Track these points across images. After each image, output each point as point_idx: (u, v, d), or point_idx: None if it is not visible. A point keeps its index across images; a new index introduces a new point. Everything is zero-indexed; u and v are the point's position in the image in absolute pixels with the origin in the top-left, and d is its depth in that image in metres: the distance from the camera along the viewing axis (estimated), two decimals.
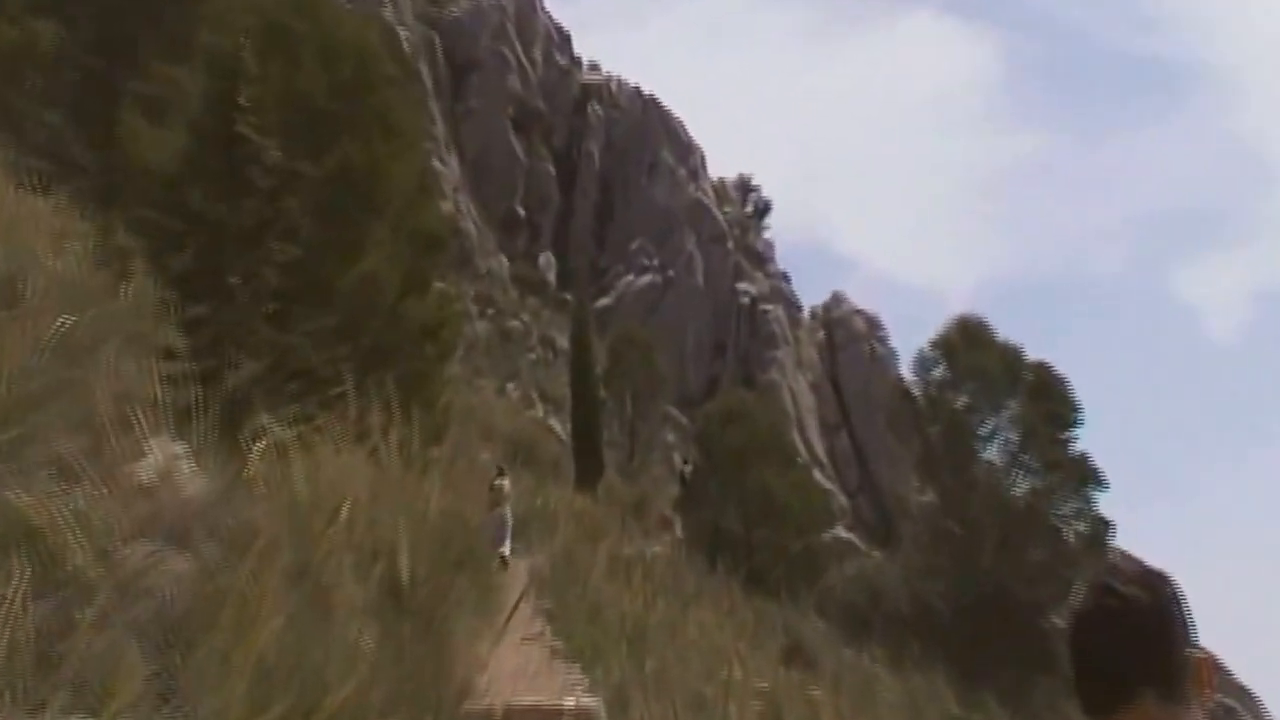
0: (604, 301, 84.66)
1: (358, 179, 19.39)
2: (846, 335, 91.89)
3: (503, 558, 22.45)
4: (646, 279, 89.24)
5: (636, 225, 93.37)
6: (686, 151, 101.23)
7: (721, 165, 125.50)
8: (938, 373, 51.07)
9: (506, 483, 25.91)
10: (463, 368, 51.57)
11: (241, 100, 13.63)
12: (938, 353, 51.20)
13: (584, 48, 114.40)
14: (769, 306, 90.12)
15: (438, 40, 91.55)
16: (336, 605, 7.83)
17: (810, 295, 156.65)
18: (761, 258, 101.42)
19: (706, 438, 47.57)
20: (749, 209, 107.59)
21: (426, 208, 24.00)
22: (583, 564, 20.93)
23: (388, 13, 79.69)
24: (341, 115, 19.65)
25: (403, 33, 78.41)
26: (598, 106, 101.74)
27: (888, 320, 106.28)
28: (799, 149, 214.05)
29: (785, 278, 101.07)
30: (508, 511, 24.90)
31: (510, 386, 67.89)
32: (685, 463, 51.16)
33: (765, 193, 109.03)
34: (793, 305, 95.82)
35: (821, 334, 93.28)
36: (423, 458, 11.54)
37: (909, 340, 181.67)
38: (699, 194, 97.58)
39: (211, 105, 13.85)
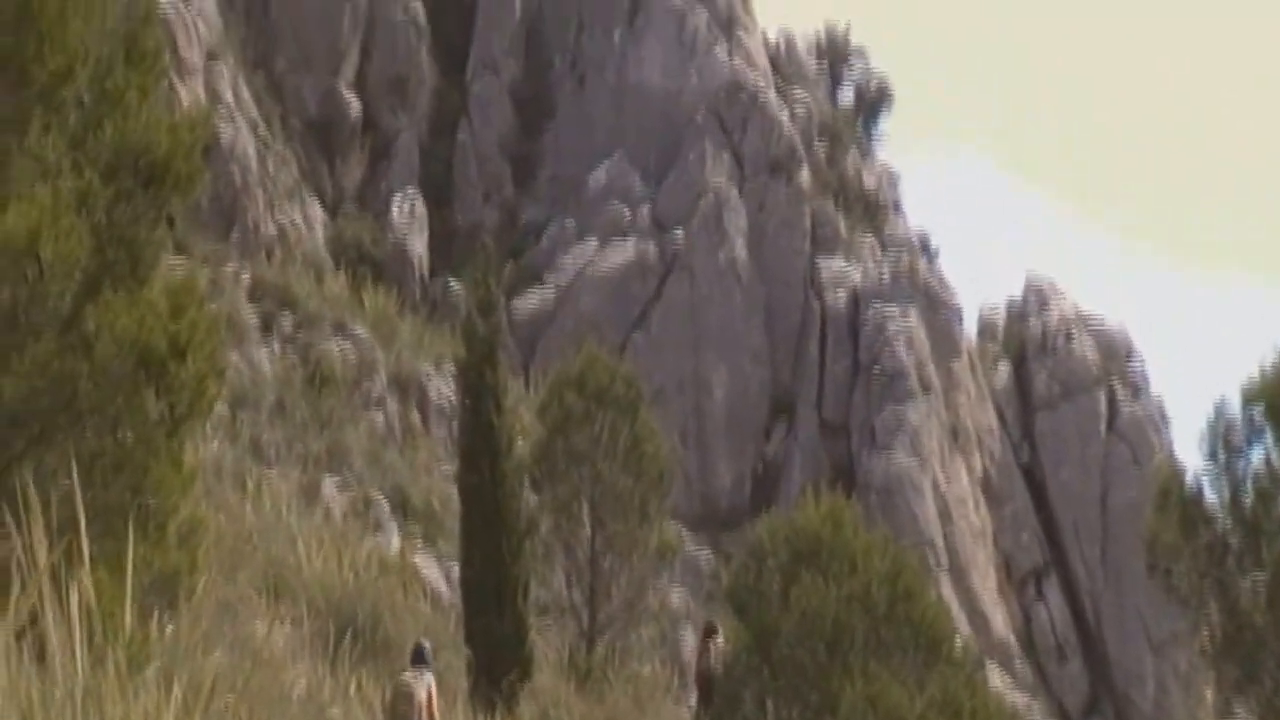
0: (531, 300, 46.99)
1: None
2: (1060, 371, 50.56)
3: None
4: (623, 248, 48.07)
5: (601, 134, 49.45)
6: None
7: (780, 8, 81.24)
8: (1260, 454, 23.78)
9: (428, 679, 17.66)
10: (223, 443, 33.11)
11: None
12: (1260, 410, 24.16)
13: None
14: (889, 308, 48.18)
15: None
16: None
17: (975, 281, 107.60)
18: (872, 205, 53.12)
19: (754, 592, 25.49)
20: (847, 98, 56.90)
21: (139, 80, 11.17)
22: None
23: None
24: None
25: None
26: None
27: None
28: None
29: (924, 247, 53.62)
30: None
31: (330, 482, 36.21)
32: (710, 638, 27.33)
33: (878, 65, 57.51)
34: (942, 306, 50.46)
35: (1005, 369, 51.33)
36: (137, 647, 7.81)
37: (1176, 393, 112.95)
38: (736, 66, 50.81)
39: None
